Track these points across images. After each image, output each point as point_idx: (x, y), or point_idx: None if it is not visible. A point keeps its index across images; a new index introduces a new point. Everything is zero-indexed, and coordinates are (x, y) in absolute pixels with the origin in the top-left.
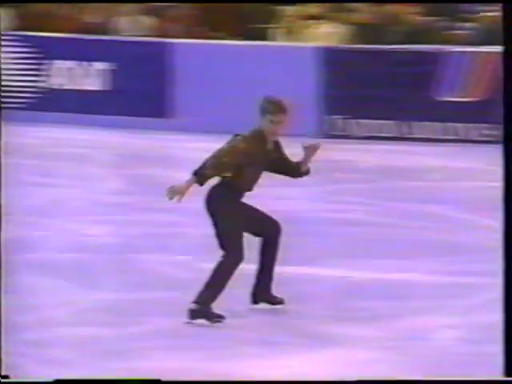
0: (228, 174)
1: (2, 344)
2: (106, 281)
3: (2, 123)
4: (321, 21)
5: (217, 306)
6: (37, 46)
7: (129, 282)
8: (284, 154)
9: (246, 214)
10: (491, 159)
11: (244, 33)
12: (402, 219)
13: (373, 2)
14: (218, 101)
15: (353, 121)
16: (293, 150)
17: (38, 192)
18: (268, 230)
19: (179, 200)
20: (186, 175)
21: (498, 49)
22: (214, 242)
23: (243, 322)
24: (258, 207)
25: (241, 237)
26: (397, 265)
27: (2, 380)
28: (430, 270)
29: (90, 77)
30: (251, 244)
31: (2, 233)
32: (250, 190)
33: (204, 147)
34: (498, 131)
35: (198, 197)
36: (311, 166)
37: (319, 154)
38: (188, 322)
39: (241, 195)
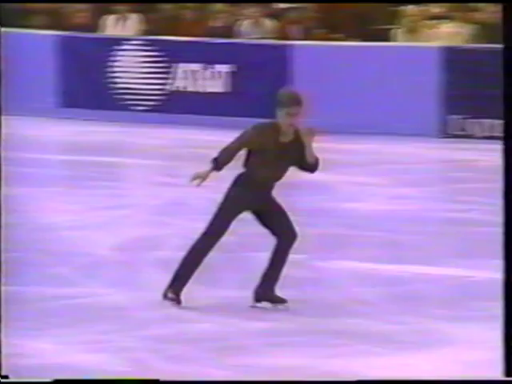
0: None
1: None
2: (226, 278)
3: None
4: (443, 20)
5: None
6: (164, 49)
7: (247, 279)
8: (304, 154)
9: (261, 207)
10: None
11: (364, 34)
12: None
13: (381, 2)
14: (338, 102)
15: (474, 120)
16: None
17: (162, 192)
18: (284, 234)
19: (198, 184)
20: (303, 175)
21: None
22: (329, 240)
23: (358, 320)
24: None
25: (227, 221)
26: None
27: (2, 380)
28: None
29: (213, 79)
30: None
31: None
32: (267, 181)
33: (323, 147)
34: None
35: (313, 197)
36: (424, 167)
37: (437, 154)
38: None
39: (258, 185)
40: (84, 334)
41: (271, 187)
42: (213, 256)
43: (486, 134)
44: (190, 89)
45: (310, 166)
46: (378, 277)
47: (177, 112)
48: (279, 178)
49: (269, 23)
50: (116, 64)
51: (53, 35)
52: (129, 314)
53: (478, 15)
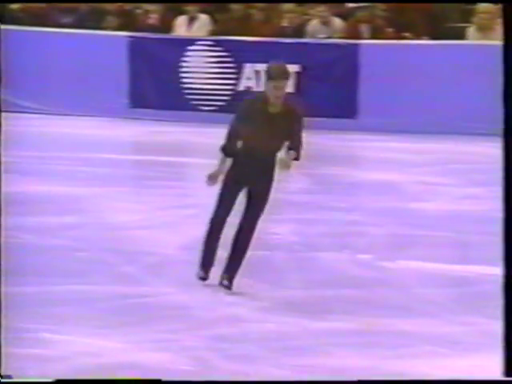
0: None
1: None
2: (290, 278)
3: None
4: None
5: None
6: (232, 49)
7: (311, 279)
8: (294, 129)
9: (258, 183)
10: None
11: (435, 32)
12: None
13: (377, 2)
14: (406, 101)
15: None
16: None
17: None
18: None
19: (214, 183)
20: (369, 175)
21: None
22: (395, 240)
23: (424, 320)
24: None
25: (230, 198)
26: None
27: (2, 380)
28: None
29: None
30: None
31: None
32: (261, 154)
33: (391, 147)
34: None
35: (380, 196)
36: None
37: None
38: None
39: (255, 160)
40: (150, 332)
41: (268, 163)
42: (277, 256)
43: None
44: (257, 89)
45: (295, 148)
46: (445, 277)
47: None
48: (273, 151)
49: (337, 22)
50: (185, 64)
51: (124, 36)
52: (194, 313)
53: None
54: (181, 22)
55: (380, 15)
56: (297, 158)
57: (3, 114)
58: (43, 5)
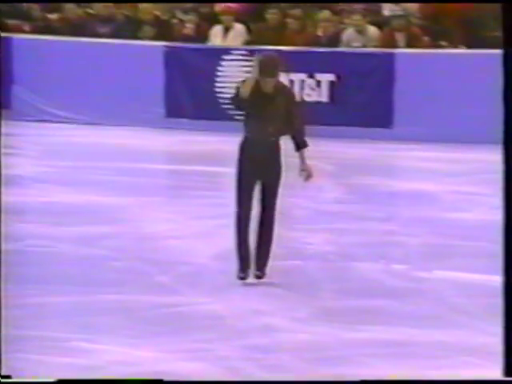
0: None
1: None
2: (324, 288)
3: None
4: None
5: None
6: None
7: (346, 289)
8: (290, 110)
9: (268, 172)
10: None
11: (471, 40)
12: None
13: (373, 1)
14: (442, 110)
15: None
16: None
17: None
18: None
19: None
20: (405, 184)
21: None
22: (431, 250)
23: (460, 331)
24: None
25: (247, 191)
26: None
27: (2, 380)
28: None
29: (315, 88)
30: None
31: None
32: (262, 137)
33: (426, 157)
34: None
35: (415, 206)
36: None
37: None
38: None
39: (259, 145)
40: (184, 342)
41: (273, 149)
42: (311, 265)
43: None
44: None
45: (299, 135)
46: (481, 287)
47: None
48: (275, 134)
49: (373, 31)
50: (220, 74)
51: (160, 46)
52: (228, 322)
53: None
54: (216, 31)
55: (416, 24)
56: (305, 145)
57: (41, 124)
58: (81, 15)
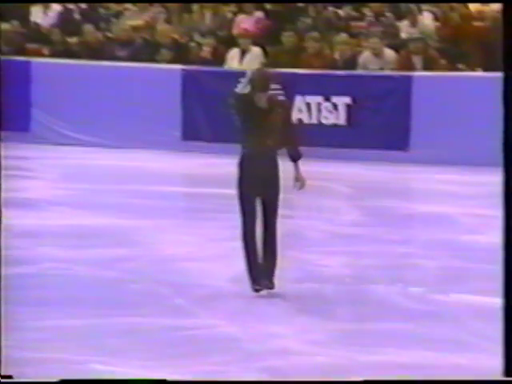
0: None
1: None
2: (341, 311)
3: None
4: None
5: None
6: (283, 81)
7: (362, 312)
8: (285, 122)
9: (263, 176)
10: None
11: (489, 64)
12: None
13: (375, 1)
14: (459, 134)
15: None
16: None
17: (278, 223)
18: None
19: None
20: (422, 207)
21: None
22: (448, 273)
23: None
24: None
25: (249, 204)
26: None
27: (3, 380)
28: None
29: (331, 111)
30: None
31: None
32: (261, 151)
33: (443, 179)
34: None
35: (432, 228)
36: None
37: None
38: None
39: (260, 153)
40: (200, 364)
41: (272, 165)
42: (328, 288)
43: None
44: (308, 121)
45: (293, 146)
46: (498, 311)
47: None
48: (271, 146)
49: (390, 54)
50: None
51: (177, 69)
52: (244, 345)
53: None
54: (233, 54)
55: (433, 46)
56: (300, 157)
57: (59, 147)
58: (100, 38)
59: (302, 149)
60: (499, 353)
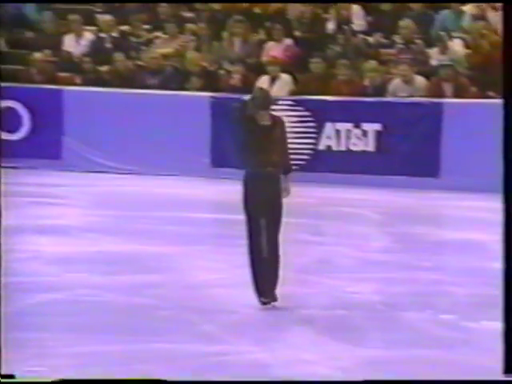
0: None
1: None
2: (371, 338)
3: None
4: None
5: None
6: (313, 108)
7: (393, 339)
8: (283, 137)
9: (269, 195)
10: None
11: None
12: None
13: (378, 1)
14: (490, 162)
15: None
16: None
17: (307, 250)
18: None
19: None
20: (452, 233)
21: None
22: (480, 301)
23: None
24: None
25: (255, 220)
26: None
27: (3, 380)
28: None
29: (361, 138)
30: None
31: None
32: (264, 169)
33: (474, 206)
34: None
35: (463, 255)
36: None
37: None
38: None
39: (261, 177)
40: None
41: (272, 179)
42: (358, 315)
43: None
44: (337, 148)
45: (285, 161)
46: None
47: (323, 170)
48: (274, 163)
49: (420, 81)
50: None
51: (207, 96)
52: (273, 371)
53: None
54: (263, 81)
55: (463, 74)
56: (291, 170)
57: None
58: (130, 67)
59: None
60: None
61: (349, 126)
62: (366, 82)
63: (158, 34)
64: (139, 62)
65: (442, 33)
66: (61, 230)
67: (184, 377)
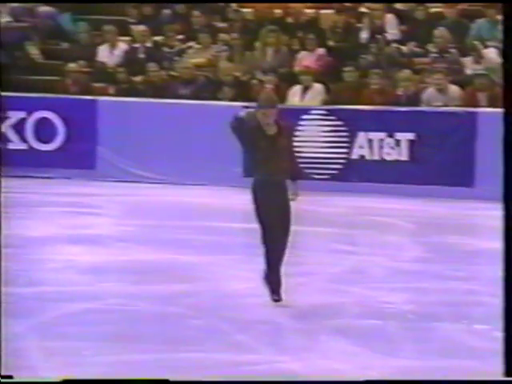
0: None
1: None
2: (403, 348)
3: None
4: None
5: None
6: (346, 118)
7: (426, 350)
8: (290, 145)
9: (282, 208)
10: None
11: None
12: None
13: (378, 2)
14: None
15: None
16: None
17: (340, 259)
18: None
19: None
20: (486, 243)
21: None
22: None
23: None
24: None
25: (269, 225)
26: None
27: (3, 380)
28: None
29: (394, 147)
30: None
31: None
32: (272, 177)
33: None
34: None
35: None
36: None
37: None
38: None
39: (270, 185)
40: None
41: (280, 186)
42: (390, 325)
43: None
44: (370, 157)
45: (294, 168)
46: None
47: (356, 180)
48: (282, 170)
49: (454, 90)
50: (298, 133)
51: (239, 106)
52: (306, 381)
53: None
54: (295, 91)
55: (498, 83)
56: (301, 176)
57: (123, 184)
58: (163, 77)
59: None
60: None
61: (382, 135)
62: (399, 91)
63: (191, 44)
64: (172, 72)
65: (477, 42)
66: (94, 239)
67: (185, 377)
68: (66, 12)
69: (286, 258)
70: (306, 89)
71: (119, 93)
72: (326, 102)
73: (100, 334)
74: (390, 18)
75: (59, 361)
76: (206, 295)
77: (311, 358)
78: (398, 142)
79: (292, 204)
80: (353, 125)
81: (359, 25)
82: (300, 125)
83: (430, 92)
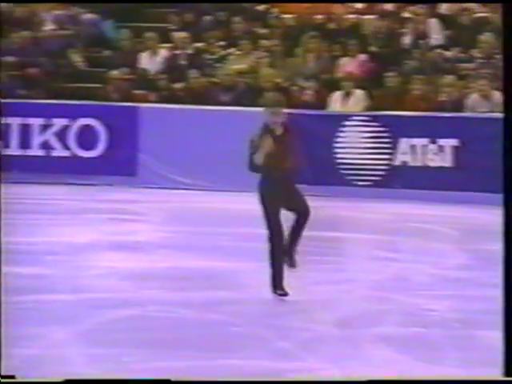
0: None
1: None
2: (447, 356)
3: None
4: None
5: None
6: (388, 124)
7: (470, 358)
8: (295, 147)
9: (286, 194)
10: None
11: None
12: None
13: (383, 2)
14: None
15: None
16: None
17: (383, 267)
18: (302, 213)
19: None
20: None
21: None
22: None
23: None
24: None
25: (275, 219)
26: None
27: (3, 380)
28: None
29: (437, 153)
30: None
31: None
32: (280, 172)
33: None
34: None
35: None
36: None
37: None
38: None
39: (279, 176)
40: None
41: (290, 181)
42: (433, 333)
43: None
44: (413, 163)
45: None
46: None
47: (399, 186)
48: (288, 168)
49: (499, 96)
50: (340, 139)
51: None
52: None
53: None
54: (336, 97)
55: None
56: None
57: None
58: (204, 83)
59: None
60: None
61: (425, 141)
62: (442, 97)
63: (232, 50)
64: (213, 79)
65: None
66: (135, 246)
67: (186, 376)
68: (108, 19)
69: (325, 265)
70: (347, 95)
71: (160, 99)
72: (368, 108)
73: (141, 341)
74: (433, 23)
75: (101, 367)
76: (247, 302)
77: (353, 365)
78: (441, 148)
79: (335, 211)
80: (395, 131)
81: (402, 30)
82: (342, 131)
83: (474, 98)
